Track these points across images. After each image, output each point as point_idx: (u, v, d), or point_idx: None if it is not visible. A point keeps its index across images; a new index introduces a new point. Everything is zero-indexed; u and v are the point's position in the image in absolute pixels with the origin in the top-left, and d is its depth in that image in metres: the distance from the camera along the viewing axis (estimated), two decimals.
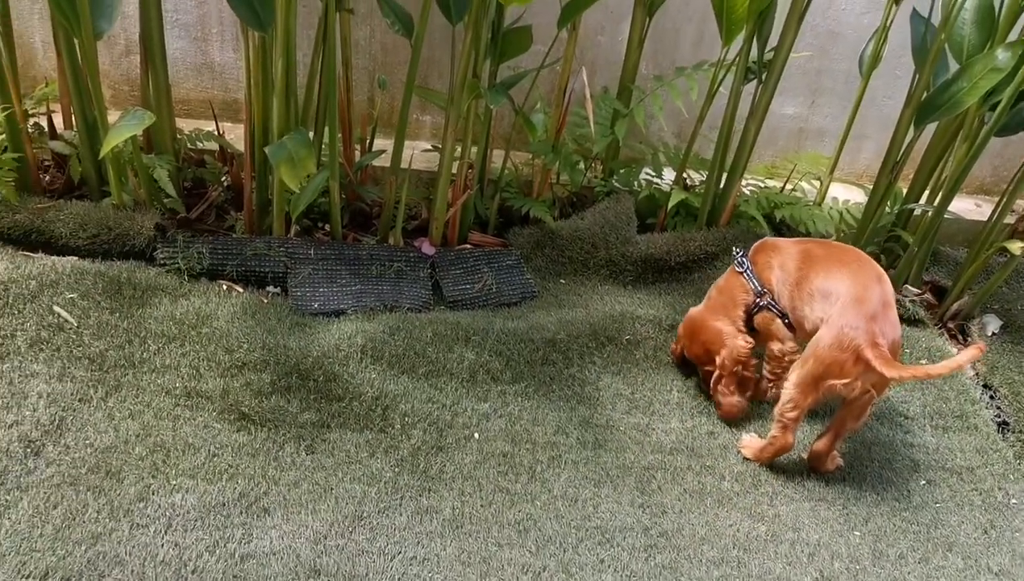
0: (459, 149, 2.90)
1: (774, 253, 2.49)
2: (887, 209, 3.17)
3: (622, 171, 3.26)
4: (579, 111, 3.24)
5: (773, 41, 2.84)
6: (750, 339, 2.52)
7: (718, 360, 2.52)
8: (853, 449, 2.59)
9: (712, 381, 2.56)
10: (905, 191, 3.24)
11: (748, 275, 2.50)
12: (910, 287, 3.23)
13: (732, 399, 2.56)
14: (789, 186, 3.36)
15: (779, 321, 2.46)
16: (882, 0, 3.14)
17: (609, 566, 2.10)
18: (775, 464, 2.48)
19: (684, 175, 3.21)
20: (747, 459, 2.49)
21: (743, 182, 3.10)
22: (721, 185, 3.11)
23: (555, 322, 2.81)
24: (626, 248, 3.06)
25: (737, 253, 2.55)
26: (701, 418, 2.62)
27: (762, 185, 3.31)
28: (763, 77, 2.87)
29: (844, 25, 3.46)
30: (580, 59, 3.14)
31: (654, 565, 2.12)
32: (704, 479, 2.41)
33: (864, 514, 2.38)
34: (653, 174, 3.27)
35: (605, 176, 3.27)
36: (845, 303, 2.24)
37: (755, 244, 2.55)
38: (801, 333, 2.44)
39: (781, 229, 3.23)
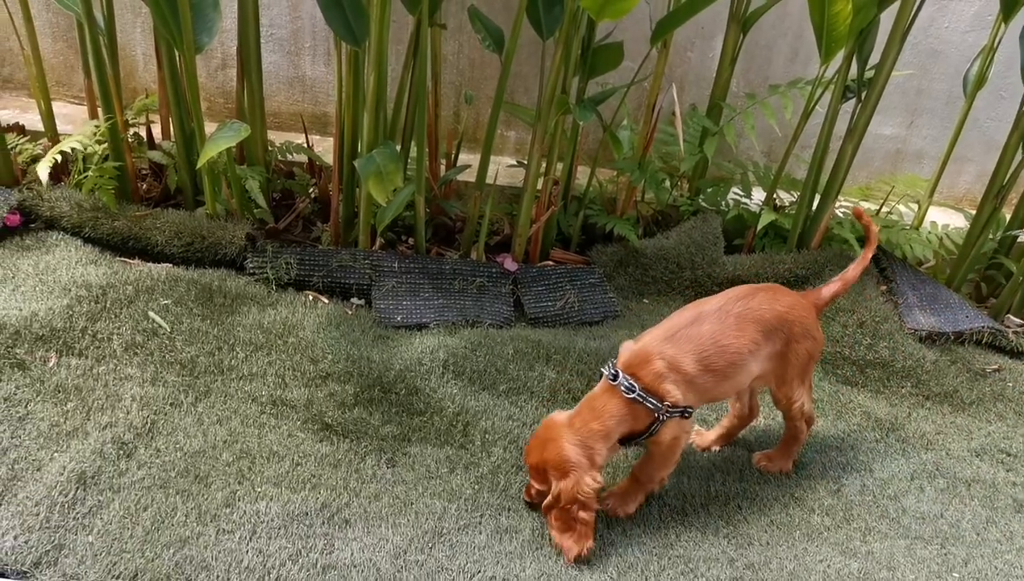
0: (544, 165, 2.89)
1: (654, 359, 2.04)
2: (989, 236, 3.02)
3: (709, 190, 3.19)
4: (665, 128, 3.19)
5: (873, 59, 2.75)
6: (600, 480, 2.03)
7: (554, 488, 2.03)
8: (951, 486, 2.47)
9: (544, 506, 2.08)
10: (1009, 217, 3.09)
11: (641, 397, 2.01)
12: (1013, 317, 3.08)
13: (566, 541, 2.06)
14: (885, 209, 3.24)
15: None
16: (988, 18, 3.01)
17: None
18: (865, 500, 2.38)
19: (774, 196, 3.13)
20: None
21: (836, 204, 3.00)
22: (813, 206, 3.02)
23: None
24: (712, 269, 2.99)
25: (610, 370, 2.05)
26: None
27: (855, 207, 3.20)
28: (862, 96, 2.77)
29: (946, 43, 3.33)
30: (669, 76, 3.10)
31: None
32: (792, 511, 2.32)
33: (963, 555, 2.26)
34: (741, 194, 3.19)
35: (691, 195, 3.21)
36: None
37: (625, 353, 2.09)
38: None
39: (876, 254, 3.10)
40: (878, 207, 3.23)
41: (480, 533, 2.13)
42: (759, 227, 2.93)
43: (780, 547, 2.21)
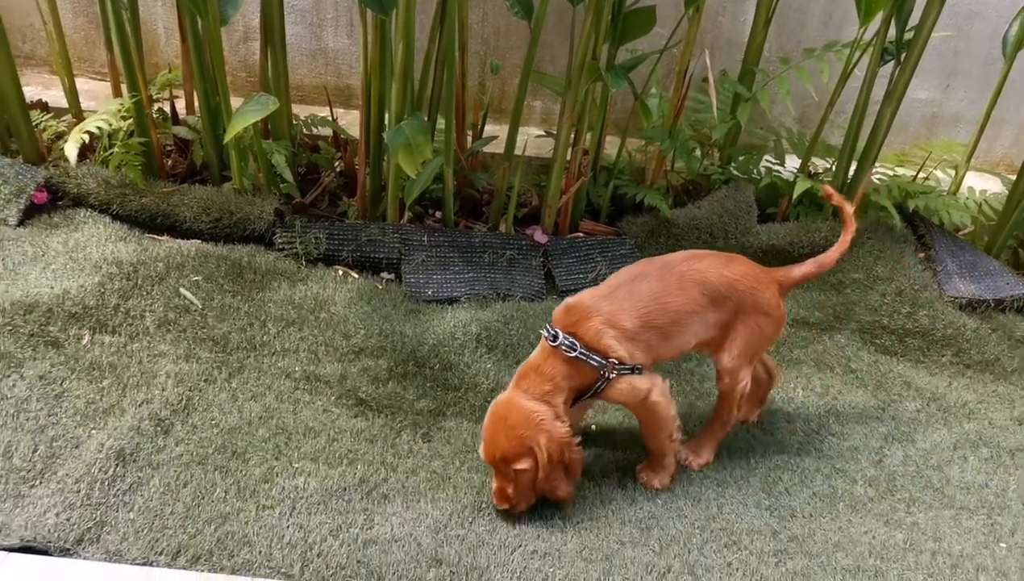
0: (573, 135, 2.83)
1: (591, 316, 2.00)
2: None
3: (741, 158, 3.13)
4: (695, 95, 3.12)
5: (912, 20, 2.67)
6: (566, 419, 2.00)
7: (538, 453, 1.95)
8: (995, 455, 2.42)
9: (539, 481, 1.99)
10: None
11: (584, 355, 1.97)
12: None
13: (564, 489, 2.06)
14: (922, 175, 3.17)
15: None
16: None
17: (737, 570, 2.01)
18: (908, 471, 2.34)
19: (808, 163, 3.06)
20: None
21: (872, 170, 2.94)
22: (849, 173, 2.95)
23: None
24: (746, 238, 2.94)
25: (549, 331, 2.00)
26: (828, 418, 2.49)
27: (892, 173, 3.13)
28: (901, 58, 2.70)
29: (984, 4, 3.24)
30: (699, 42, 3.02)
31: (785, 571, 2.01)
32: (835, 482, 2.29)
33: (1010, 525, 2.22)
34: (774, 161, 3.13)
35: (723, 163, 3.15)
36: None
37: (561, 312, 2.04)
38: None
39: (913, 220, 3.05)
40: (915, 173, 3.16)
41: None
42: (795, 195, 2.86)
43: (823, 519, 2.18)
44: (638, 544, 2.05)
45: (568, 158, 2.85)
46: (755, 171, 3.12)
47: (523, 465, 1.96)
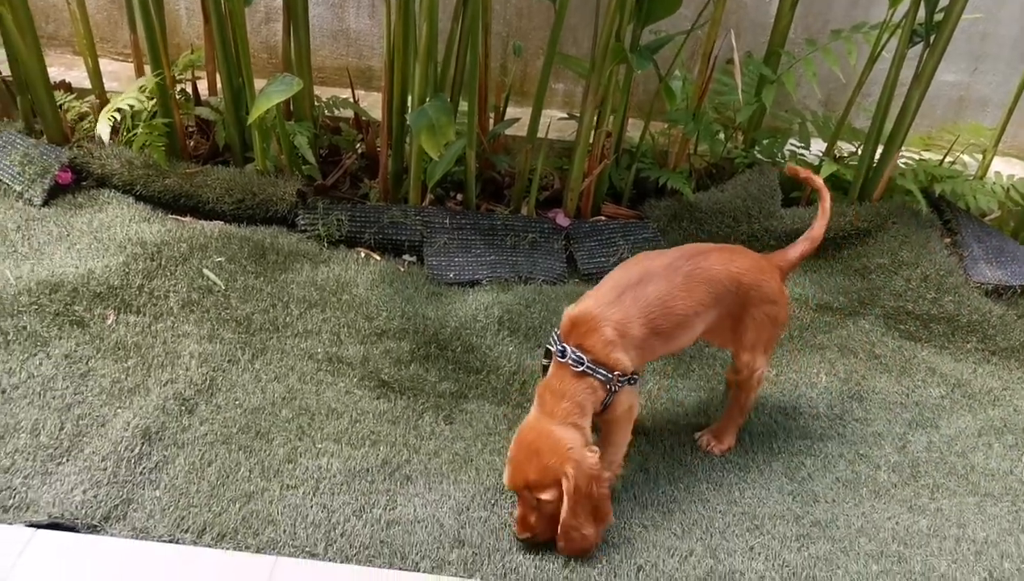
0: (597, 117, 2.81)
1: (601, 325, 1.89)
2: None
3: (765, 141, 3.10)
4: (719, 77, 3.09)
5: (942, 2, 2.63)
6: (596, 449, 1.90)
7: (565, 483, 1.83)
8: (1020, 442, 2.40)
9: (564, 516, 1.85)
10: None
11: (591, 369, 1.87)
12: None
13: (591, 532, 1.91)
14: (948, 159, 3.13)
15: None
16: None
17: (759, 554, 2.01)
18: (932, 457, 2.32)
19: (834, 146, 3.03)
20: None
21: (898, 154, 2.90)
22: (875, 157, 2.92)
23: None
24: (770, 222, 2.91)
25: (557, 345, 1.91)
26: (851, 403, 2.48)
27: (918, 157, 3.09)
28: (930, 40, 2.66)
29: None
30: (724, 23, 2.99)
31: (808, 556, 2.01)
32: (858, 468, 2.28)
33: None
34: (798, 145, 3.10)
35: (746, 146, 3.12)
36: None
37: (568, 324, 1.92)
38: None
39: (939, 205, 3.01)
40: (941, 157, 3.12)
41: None
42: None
43: (846, 504, 2.17)
44: (660, 527, 2.05)
45: (591, 141, 2.84)
46: (779, 154, 3.09)
47: (548, 496, 1.84)
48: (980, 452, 2.36)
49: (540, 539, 1.93)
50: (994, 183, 3.09)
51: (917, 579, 1.98)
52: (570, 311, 1.93)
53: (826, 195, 2.21)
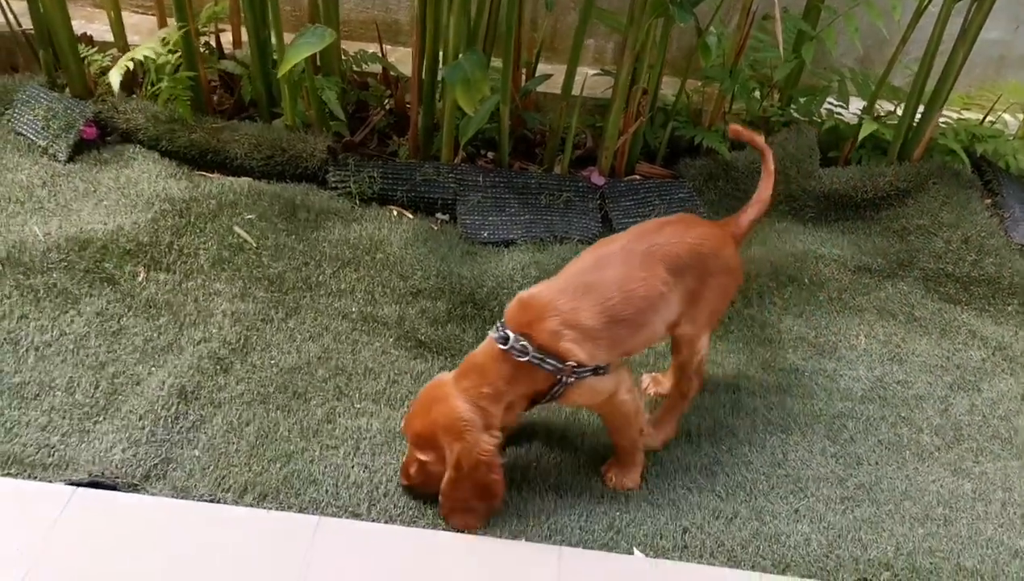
0: (634, 74, 2.74)
1: (547, 315, 1.76)
2: None
3: (803, 99, 3.02)
4: (755, 33, 3.01)
5: None
6: (498, 436, 1.79)
7: (448, 456, 1.77)
8: None
9: (444, 485, 1.80)
10: None
11: (537, 359, 1.74)
12: None
13: (477, 507, 1.84)
14: (990, 118, 3.06)
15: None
16: None
17: (804, 516, 1.98)
18: (975, 420, 2.29)
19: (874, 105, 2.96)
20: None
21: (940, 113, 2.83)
22: (916, 116, 2.85)
23: None
24: (808, 183, 2.86)
25: (499, 332, 1.76)
26: (892, 366, 2.44)
27: (957, 116, 3.02)
28: None
29: None
30: None
31: (853, 519, 1.99)
32: (900, 430, 2.25)
33: None
34: (836, 103, 3.03)
35: (783, 105, 3.05)
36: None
37: (515, 309, 1.80)
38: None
39: (980, 165, 2.95)
40: (982, 116, 3.05)
41: (582, 452, 2.09)
42: (860, 138, 2.77)
43: (890, 467, 2.15)
44: (704, 490, 2.03)
45: (627, 98, 2.77)
46: (816, 113, 3.02)
47: (425, 457, 1.80)
48: (1023, 416, 2.33)
49: (419, 491, 1.88)
50: None
51: (964, 543, 1.96)
52: (521, 296, 1.81)
53: (768, 155, 2.09)
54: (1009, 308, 2.66)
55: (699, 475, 2.06)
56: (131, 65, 2.56)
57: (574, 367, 1.75)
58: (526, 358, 1.73)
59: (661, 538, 1.90)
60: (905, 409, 2.31)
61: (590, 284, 1.78)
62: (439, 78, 2.67)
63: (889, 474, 2.12)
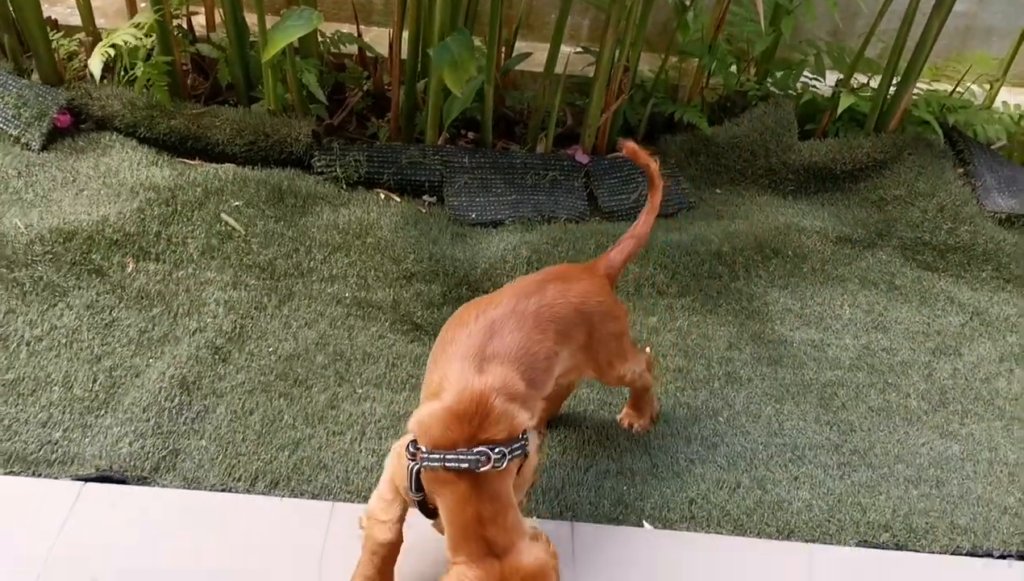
0: (617, 52, 2.75)
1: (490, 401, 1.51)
2: None
3: (780, 74, 3.06)
4: (733, 8, 3.03)
5: None
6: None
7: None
8: None
9: None
10: None
11: (513, 453, 1.50)
12: None
13: None
14: (959, 89, 3.13)
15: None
16: None
17: (804, 483, 2.04)
18: (958, 384, 2.37)
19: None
20: None
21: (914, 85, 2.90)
22: (891, 87, 2.91)
23: (718, 234, 2.69)
24: (787, 156, 2.91)
25: (466, 459, 1.46)
26: (876, 334, 2.51)
27: (928, 88, 3.09)
28: None
29: None
30: None
31: (850, 484, 2.05)
32: (888, 397, 2.32)
33: None
34: (812, 76, 3.07)
35: (759, 79, 3.09)
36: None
37: (452, 422, 1.48)
38: None
39: (952, 135, 3.03)
40: (952, 87, 3.12)
41: (587, 428, 2.12)
42: (839, 110, 2.82)
43: (881, 432, 2.21)
44: (706, 461, 2.07)
45: (610, 75, 2.78)
46: (793, 87, 3.07)
47: None
48: (1003, 378, 2.42)
49: None
50: (1002, 113, 3.11)
51: (956, 502, 2.04)
52: (439, 408, 1.49)
53: (658, 185, 1.96)
54: (984, 274, 2.75)
55: (700, 447, 2.11)
56: (112, 52, 2.49)
57: (525, 435, 1.55)
58: (505, 464, 1.47)
59: (668, 510, 1.94)
60: (892, 376, 2.38)
61: (498, 353, 1.58)
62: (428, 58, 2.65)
63: (882, 439, 2.19)
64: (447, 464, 1.44)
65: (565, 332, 1.73)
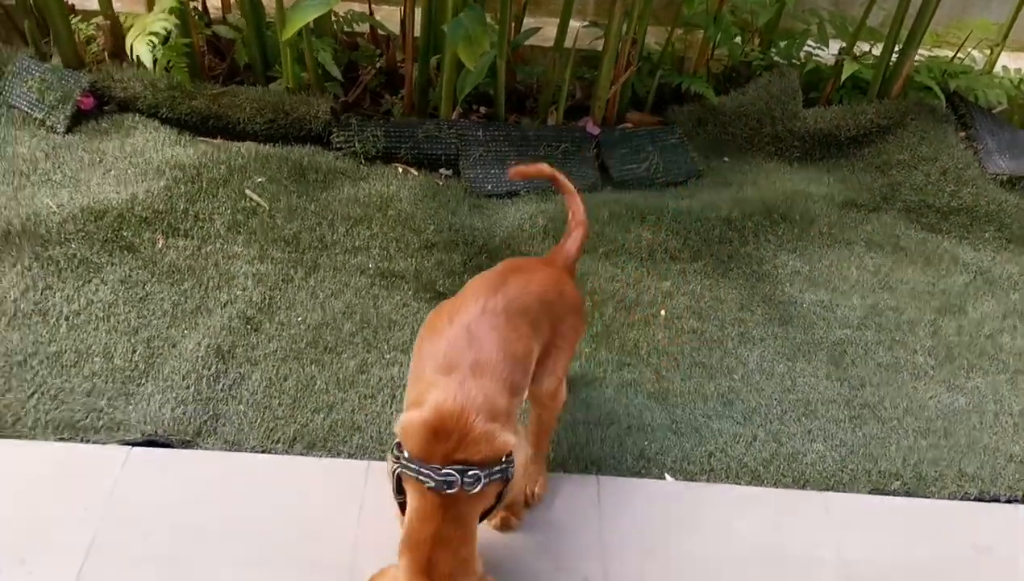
0: (625, 24, 2.81)
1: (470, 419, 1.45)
2: None
3: (783, 43, 3.13)
4: None
5: None
6: None
7: None
8: None
9: None
10: None
11: (490, 479, 1.46)
12: None
13: None
14: (960, 55, 3.20)
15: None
16: None
17: (818, 436, 2.13)
18: (963, 340, 2.45)
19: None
20: None
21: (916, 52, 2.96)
22: (893, 54, 2.97)
23: (727, 200, 2.77)
24: (793, 124, 2.97)
25: (437, 478, 1.41)
26: (883, 294, 2.58)
27: (929, 54, 3.16)
28: None
29: None
30: None
31: (862, 436, 2.14)
32: (896, 353, 2.40)
33: None
34: (815, 46, 3.13)
35: (763, 49, 3.15)
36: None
37: (428, 437, 1.44)
38: None
39: (954, 100, 3.09)
40: (953, 53, 3.18)
41: (607, 387, 2.20)
42: (842, 78, 2.89)
43: (890, 387, 2.30)
44: (723, 417, 2.16)
45: (619, 48, 2.84)
46: (796, 56, 3.13)
47: None
48: (1006, 334, 2.49)
49: None
50: (1002, 77, 3.18)
51: (963, 451, 2.13)
52: (418, 419, 1.45)
53: (560, 178, 1.94)
54: (986, 234, 2.82)
55: (717, 404, 2.19)
56: (155, 40, 2.53)
57: (509, 457, 1.49)
58: (478, 488, 1.42)
59: (688, 463, 2.03)
60: (899, 333, 2.46)
61: (481, 363, 1.52)
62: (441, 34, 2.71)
63: (891, 394, 2.27)
64: (420, 477, 1.41)
65: (536, 324, 1.66)
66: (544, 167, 1.92)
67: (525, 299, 1.64)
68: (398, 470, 1.46)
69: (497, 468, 1.45)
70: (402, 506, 1.51)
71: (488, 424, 1.45)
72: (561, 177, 1.92)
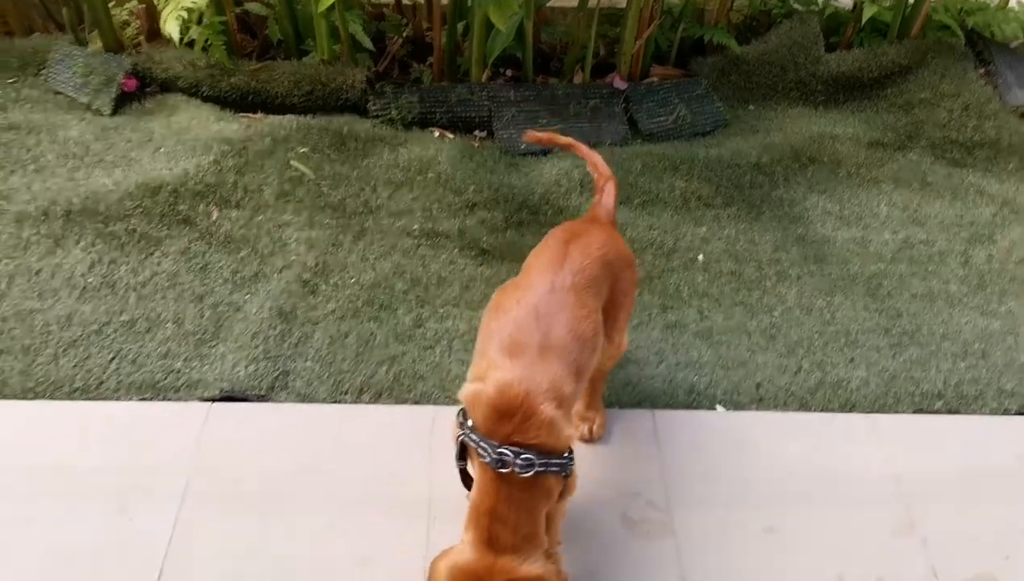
0: None
1: (538, 405, 1.45)
2: None
3: None
4: None
5: None
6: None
7: None
8: None
9: None
10: None
11: (544, 468, 1.45)
12: None
13: None
14: None
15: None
16: None
17: (860, 363, 2.21)
18: (993, 267, 2.52)
19: None
20: None
21: None
22: None
23: (755, 147, 2.83)
24: (816, 68, 3.03)
25: (478, 443, 1.44)
26: (913, 228, 2.65)
27: None
28: None
29: None
30: None
31: (903, 361, 2.22)
32: (930, 283, 2.47)
33: None
34: None
35: None
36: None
37: (492, 415, 1.45)
38: None
39: (972, 37, 3.14)
40: None
41: (653, 329, 2.28)
42: (862, 21, 2.94)
43: (926, 315, 2.37)
44: (767, 350, 2.24)
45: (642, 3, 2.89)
46: (815, 2, 3.18)
47: None
48: None
49: None
50: (1017, 12, 3.22)
51: (1001, 370, 2.21)
52: (483, 395, 1.45)
53: (578, 146, 1.99)
54: (1010, 166, 2.88)
55: (760, 338, 2.27)
56: (185, 15, 2.62)
57: (569, 455, 1.50)
58: (531, 473, 1.41)
59: (738, 395, 2.11)
60: (931, 265, 2.54)
61: (550, 346, 1.51)
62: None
63: (927, 321, 2.35)
64: (479, 449, 1.43)
65: (600, 292, 1.67)
66: (557, 137, 1.97)
67: (590, 269, 1.65)
68: (462, 437, 1.48)
69: (556, 461, 1.45)
70: (462, 472, 1.54)
71: (555, 412, 1.45)
72: (574, 142, 1.96)
